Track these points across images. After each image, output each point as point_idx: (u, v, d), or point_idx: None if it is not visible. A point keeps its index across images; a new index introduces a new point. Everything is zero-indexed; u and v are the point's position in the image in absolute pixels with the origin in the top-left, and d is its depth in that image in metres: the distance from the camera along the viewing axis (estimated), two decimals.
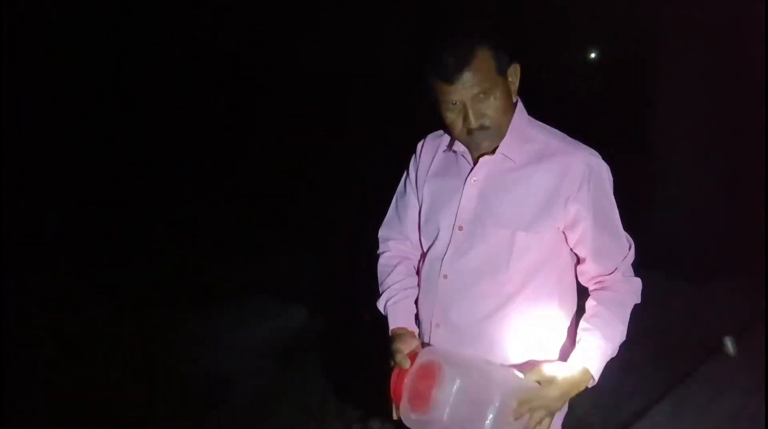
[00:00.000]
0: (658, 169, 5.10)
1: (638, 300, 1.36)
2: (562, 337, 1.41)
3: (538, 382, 1.22)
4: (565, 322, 1.42)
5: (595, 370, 1.26)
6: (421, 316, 1.46)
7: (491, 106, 1.26)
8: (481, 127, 1.27)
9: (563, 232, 1.33)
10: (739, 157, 4.98)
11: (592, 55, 8.62)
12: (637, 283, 1.36)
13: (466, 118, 1.26)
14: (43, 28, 5.88)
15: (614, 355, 1.29)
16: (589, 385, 1.26)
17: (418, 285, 1.49)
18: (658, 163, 5.12)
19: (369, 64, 7.26)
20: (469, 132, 1.28)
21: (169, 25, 6.64)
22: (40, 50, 5.93)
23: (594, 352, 1.27)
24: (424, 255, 1.48)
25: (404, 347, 1.34)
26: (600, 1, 4.84)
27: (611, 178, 1.33)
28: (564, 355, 1.36)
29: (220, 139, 7.26)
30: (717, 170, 4.88)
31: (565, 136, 1.37)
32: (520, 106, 1.37)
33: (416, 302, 1.48)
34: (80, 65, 6.50)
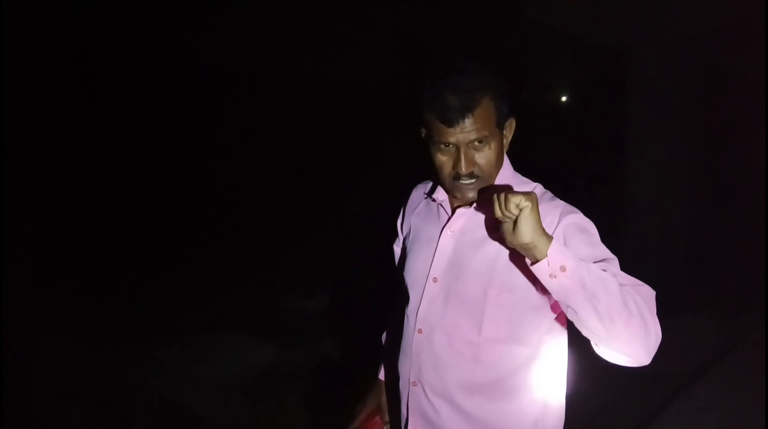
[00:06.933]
0: (628, 203, 5.17)
1: (647, 299, 1.12)
2: (545, 406, 1.31)
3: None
4: (548, 390, 1.31)
5: (556, 256, 1.06)
6: (400, 371, 1.39)
7: (484, 156, 1.23)
8: (471, 175, 1.23)
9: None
10: (711, 194, 5.09)
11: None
12: (646, 287, 1.15)
13: (456, 163, 1.22)
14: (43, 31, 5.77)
15: (584, 288, 1.06)
16: (539, 257, 1.07)
17: (397, 338, 1.43)
18: (628, 198, 5.20)
19: (349, 71, 7.29)
20: (457, 177, 1.24)
21: (160, 33, 6.57)
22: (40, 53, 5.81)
23: (570, 255, 1.08)
24: (403, 306, 1.42)
25: (370, 403, 1.50)
26: (576, 17, 4.93)
27: (592, 224, 1.25)
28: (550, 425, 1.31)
29: (190, 168, 7.16)
30: (688, 202, 4.97)
31: (548, 192, 1.31)
32: (506, 160, 1.34)
33: (396, 357, 1.42)
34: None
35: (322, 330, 4.10)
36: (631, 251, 4.61)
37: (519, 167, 1.39)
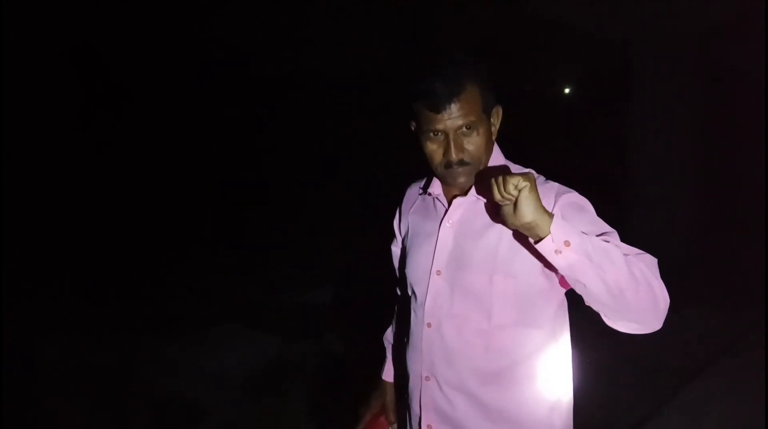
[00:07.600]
0: (631, 196, 5.18)
1: (651, 266, 1.12)
2: (557, 391, 1.32)
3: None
4: (561, 376, 1.32)
5: (559, 231, 1.06)
6: (410, 367, 1.39)
7: (473, 142, 1.24)
8: (461, 162, 1.24)
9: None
10: (715, 188, 5.10)
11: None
12: (648, 255, 1.15)
13: (447, 150, 1.23)
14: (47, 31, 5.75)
15: (590, 260, 1.06)
16: (542, 235, 1.07)
17: (405, 335, 1.43)
18: (631, 191, 5.20)
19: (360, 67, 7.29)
20: (448, 165, 1.25)
21: (172, 29, 6.56)
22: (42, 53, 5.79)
23: (572, 229, 1.08)
24: (408, 303, 1.42)
25: (375, 403, 1.53)
26: (576, 17, 4.94)
27: (588, 202, 1.26)
28: (559, 412, 1.31)
29: (195, 167, 7.17)
30: (690, 199, 4.97)
31: (541, 176, 1.32)
32: (496, 148, 1.35)
33: (406, 353, 1.42)
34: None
35: (324, 325, 4.10)
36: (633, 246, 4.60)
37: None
